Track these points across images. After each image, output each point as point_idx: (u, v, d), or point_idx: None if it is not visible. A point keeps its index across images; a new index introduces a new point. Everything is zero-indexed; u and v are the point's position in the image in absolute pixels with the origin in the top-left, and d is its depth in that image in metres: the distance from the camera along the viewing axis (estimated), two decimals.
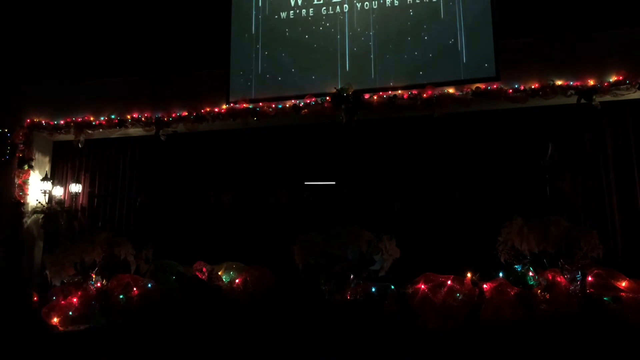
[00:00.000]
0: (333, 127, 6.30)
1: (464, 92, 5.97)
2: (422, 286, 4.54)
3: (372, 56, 6.42)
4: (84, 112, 7.22)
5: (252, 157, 6.86)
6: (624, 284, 4.31)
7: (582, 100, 5.77)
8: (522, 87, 5.91)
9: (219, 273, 5.44)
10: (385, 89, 6.22)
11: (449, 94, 6.00)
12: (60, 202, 7.24)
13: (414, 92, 6.07)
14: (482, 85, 5.95)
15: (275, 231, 6.38)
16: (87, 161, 7.57)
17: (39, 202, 7.11)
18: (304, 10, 6.72)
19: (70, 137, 7.27)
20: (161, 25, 7.35)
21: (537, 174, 6.00)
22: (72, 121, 7.16)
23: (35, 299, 5.26)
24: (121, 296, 5.03)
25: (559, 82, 5.84)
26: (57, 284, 5.29)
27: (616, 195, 5.89)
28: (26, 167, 7.17)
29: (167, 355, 4.48)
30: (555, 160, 5.88)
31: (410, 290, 4.59)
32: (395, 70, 6.31)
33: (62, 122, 7.21)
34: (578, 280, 4.31)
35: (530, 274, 4.52)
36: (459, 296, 4.43)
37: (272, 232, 6.42)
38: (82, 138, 7.14)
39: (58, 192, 7.29)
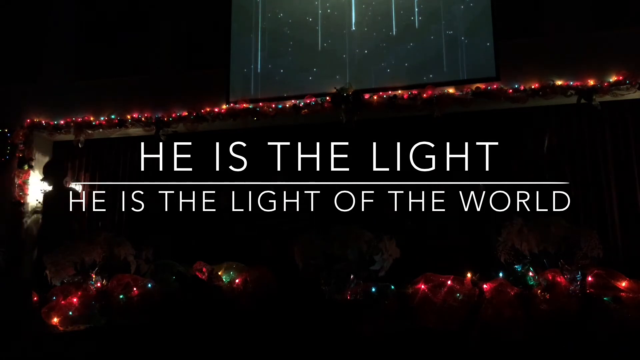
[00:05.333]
0: (333, 127, 6.30)
1: (464, 92, 5.97)
2: (422, 286, 4.54)
3: (372, 56, 6.42)
4: (84, 112, 7.22)
5: (252, 157, 6.85)
6: (624, 284, 4.30)
7: (582, 100, 5.77)
8: (522, 87, 5.91)
9: (219, 273, 5.43)
10: (385, 89, 6.22)
11: (449, 94, 6.00)
12: None
13: (414, 92, 6.07)
14: (482, 85, 5.95)
15: (275, 231, 6.38)
16: (87, 161, 7.57)
17: (39, 202, 7.11)
18: (304, 10, 6.72)
19: (70, 137, 7.27)
20: (161, 25, 7.36)
21: (537, 173, 6.01)
22: (72, 121, 7.16)
23: (35, 299, 5.26)
24: (121, 296, 5.02)
25: (559, 82, 5.84)
26: (57, 284, 5.28)
27: (616, 195, 5.89)
28: (26, 167, 7.17)
29: (167, 356, 4.48)
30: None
31: (410, 290, 4.59)
32: (395, 70, 6.31)
33: (62, 122, 7.21)
34: (578, 280, 4.31)
35: (530, 274, 4.52)
36: (459, 296, 4.42)
37: (272, 232, 6.42)
38: (82, 138, 7.14)
39: None
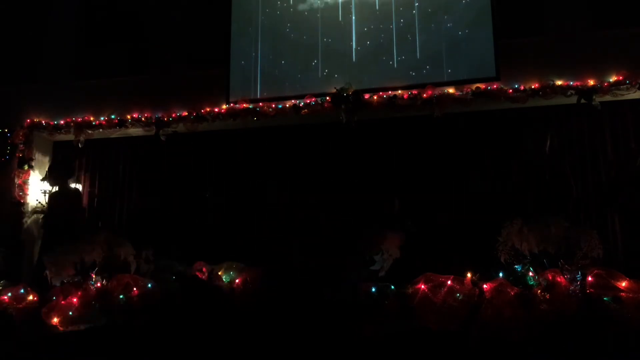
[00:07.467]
0: (333, 127, 6.30)
1: (464, 92, 5.97)
2: (422, 286, 4.54)
3: (372, 56, 6.42)
4: (84, 112, 7.22)
5: (252, 157, 6.86)
6: (624, 284, 4.30)
7: (582, 100, 5.77)
8: (522, 87, 5.90)
9: (219, 273, 5.43)
10: (385, 89, 6.22)
11: (449, 94, 6.00)
12: None
13: (414, 92, 6.07)
14: (482, 85, 5.95)
15: (276, 231, 6.38)
16: (87, 161, 7.57)
17: (39, 202, 7.11)
18: (304, 10, 6.72)
19: (70, 137, 7.26)
20: (161, 25, 7.36)
21: (537, 173, 6.02)
22: (72, 121, 7.16)
23: (35, 299, 5.26)
24: (121, 296, 5.02)
25: (559, 82, 5.84)
26: (57, 284, 5.28)
27: (616, 195, 5.88)
28: (26, 167, 7.17)
29: (167, 356, 4.49)
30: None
31: (410, 290, 4.59)
32: (396, 70, 6.31)
33: (62, 122, 7.21)
34: (578, 280, 4.31)
35: (530, 274, 4.52)
36: (459, 296, 4.43)
37: (273, 232, 6.42)
38: (82, 138, 7.14)
39: None
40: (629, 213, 5.72)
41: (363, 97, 6.15)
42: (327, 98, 6.24)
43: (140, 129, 7.03)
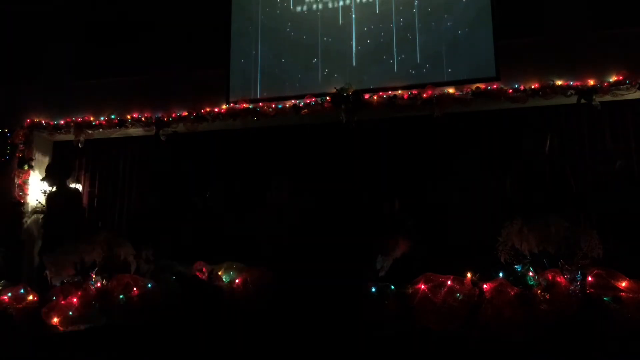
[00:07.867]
0: (333, 127, 6.30)
1: (464, 92, 5.97)
2: (422, 286, 4.54)
3: (372, 56, 6.42)
4: (84, 112, 7.23)
5: (252, 157, 6.85)
6: (624, 284, 4.29)
7: (582, 100, 5.77)
8: (522, 87, 5.91)
9: (219, 273, 5.43)
10: (385, 89, 6.22)
11: (449, 94, 6.00)
12: None
13: (414, 92, 6.07)
14: (482, 85, 5.95)
15: (276, 231, 6.37)
16: (87, 161, 7.57)
17: (39, 202, 7.11)
18: (304, 10, 6.73)
19: (70, 137, 7.27)
20: (161, 25, 7.36)
21: (537, 173, 6.01)
22: (72, 121, 7.17)
23: (35, 299, 5.26)
24: (121, 296, 5.02)
25: (559, 82, 5.85)
26: (57, 284, 5.28)
27: (616, 195, 5.88)
28: (26, 167, 7.18)
29: (167, 356, 4.49)
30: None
31: (410, 290, 4.59)
32: (396, 70, 6.31)
33: (62, 122, 7.22)
34: (578, 280, 4.30)
35: (530, 274, 4.51)
36: (459, 296, 4.42)
37: (272, 232, 6.41)
38: (82, 138, 7.15)
39: None
40: (625, 212, 5.72)
41: (363, 97, 6.15)
42: (327, 98, 6.25)
43: (140, 129, 7.04)
